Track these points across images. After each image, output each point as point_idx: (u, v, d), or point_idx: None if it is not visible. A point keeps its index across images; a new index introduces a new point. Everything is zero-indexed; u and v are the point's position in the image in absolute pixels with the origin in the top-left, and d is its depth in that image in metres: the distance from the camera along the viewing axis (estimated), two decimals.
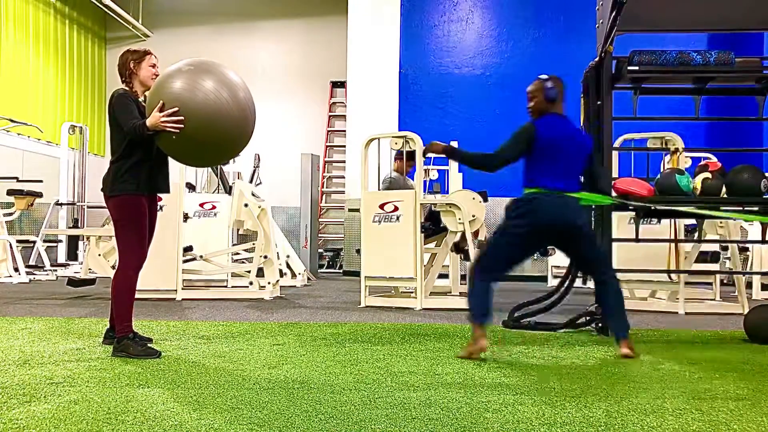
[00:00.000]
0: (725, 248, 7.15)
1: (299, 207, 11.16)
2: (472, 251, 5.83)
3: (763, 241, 4.83)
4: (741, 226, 6.92)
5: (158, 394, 2.64)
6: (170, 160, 3.74)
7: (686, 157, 6.20)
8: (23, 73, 11.50)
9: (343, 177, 11.83)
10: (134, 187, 3.54)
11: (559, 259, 8.73)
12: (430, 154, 3.87)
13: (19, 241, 9.04)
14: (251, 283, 6.77)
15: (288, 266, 8.64)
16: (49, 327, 4.55)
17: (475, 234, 6.19)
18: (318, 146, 13.19)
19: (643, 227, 5.46)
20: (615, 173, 5.35)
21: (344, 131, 11.99)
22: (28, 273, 8.73)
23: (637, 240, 4.96)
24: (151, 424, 2.22)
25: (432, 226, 6.39)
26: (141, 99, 3.68)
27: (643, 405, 2.55)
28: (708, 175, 4.58)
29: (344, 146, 11.83)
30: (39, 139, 11.62)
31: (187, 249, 6.75)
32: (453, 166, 8.27)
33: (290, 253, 8.87)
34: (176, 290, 6.37)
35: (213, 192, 8.76)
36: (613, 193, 4.58)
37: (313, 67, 13.40)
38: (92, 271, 6.88)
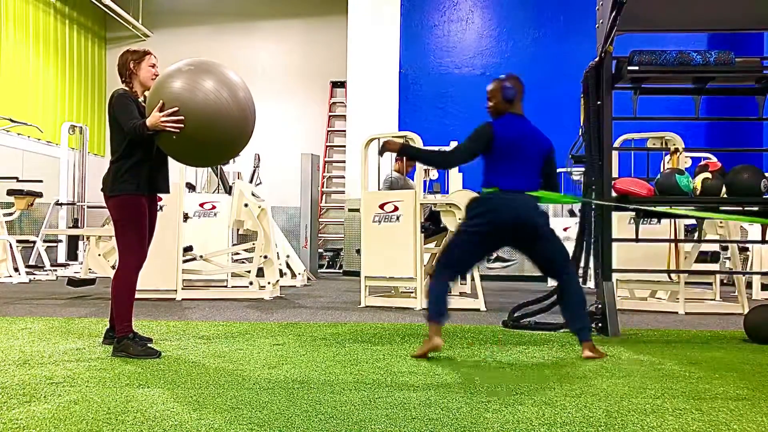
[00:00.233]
0: (725, 248, 7.15)
1: (299, 207, 11.17)
2: None
3: (763, 241, 4.84)
4: (741, 226, 6.92)
5: (158, 394, 2.64)
6: (170, 160, 3.74)
7: (686, 157, 6.20)
8: (23, 73, 11.51)
9: (343, 177, 11.83)
10: (134, 187, 3.54)
11: None
12: (386, 153, 3.85)
13: (19, 241, 9.04)
14: (251, 283, 6.76)
15: (288, 266, 8.64)
16: (49, 327, 4.55)
17: None
18: (318, 146, 13.19)
19: (643, 227, 5.46)
20: (615, 173, 5.35)
21: (344, 131, 11.99)
22: (28, 273, 8.73)
23: (637, 240, 4.96)
24: (151, 424, 2.22)
25: (432, 226, 6.39)
26: (141, 99, 3.68)
27: (643, 405, 2.55)
28: (708, 175, 4.58)
29: (344, 146, 11.83)
30: (39, 139, 11.63)
31: (187, 249, 6.75)
32: None
33: (290, 253, 8.88)
34: (176, 290, 6.37)
35: (213, 192, 8.76)
36: (613, 193, 4.59)
37: (313, 67, 13.40)
38: (92, 271, 6.88)
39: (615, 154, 5.89)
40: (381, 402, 2.55)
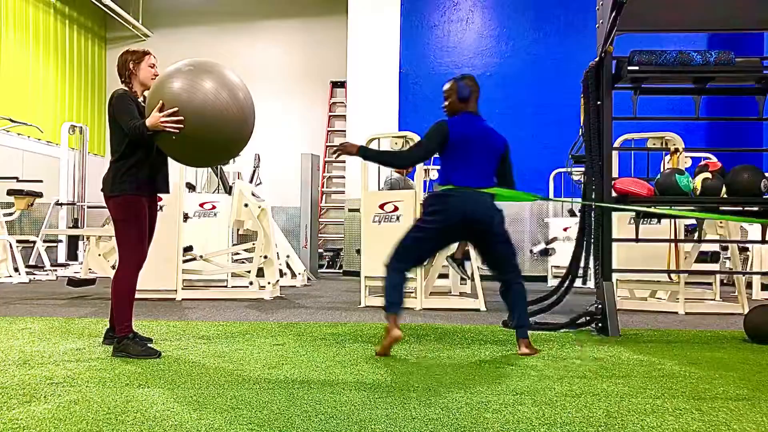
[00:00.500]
0: (725, 248, 7.15)
1: (299, 207, 11.17)
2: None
3: (763, 241, 4.83)
4: (741, 226, 6.92)
5: (158, 394, 2.64)
6: (170, 160, 3.74)
7: (686, 157, 6.20)
8: (23, 73, 11.51)
9: (343, 177, 11.83)
10: (134, 188, 3.54)
11: (559, 259, 8.73)
12: (343, 156, 3.87)
13: (19, 241, 9.04)
14: (251, 283, 6.77)
15: (288, 266, 8.64)
16: (49, 327, 4.55)
17: None
18: (318, 146, 13.20)
19: (643, 227, 5.46)
20: (615, 173, 5.35)
21: (344, 131, 11.99)
22: (28, 273, 8.74)
23: (637, 240, 4.96)
24: (151, 424, 2.22)
25: None
26: (141, 99, 3.68)
27: (643, 405, 2.55)
28: (708, 175, 4.58)
29: None
30: (39, 139, 11.63)
31: (187, 249, 6.75)
32: None
33: (290, 253, 8.88)
34: (176, 290, 6.37)
35: (213, 192, 8.76)
36: (613, 193, 4.59)
37: (313, 67, 13.41)
38: (92, 271, 6.88)
39: (615, 154, 5.91)
40: (381, 402, 2.55)
